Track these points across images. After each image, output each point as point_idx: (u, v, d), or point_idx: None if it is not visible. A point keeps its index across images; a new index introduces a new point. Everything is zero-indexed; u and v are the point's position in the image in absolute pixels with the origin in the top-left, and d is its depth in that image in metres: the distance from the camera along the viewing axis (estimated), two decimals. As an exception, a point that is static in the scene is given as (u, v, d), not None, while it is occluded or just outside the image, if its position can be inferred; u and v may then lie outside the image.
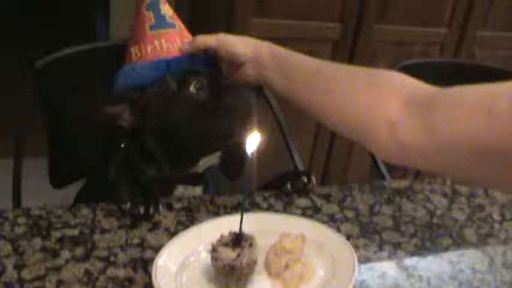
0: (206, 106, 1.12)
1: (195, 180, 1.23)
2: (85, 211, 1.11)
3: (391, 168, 1.81)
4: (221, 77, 1.17)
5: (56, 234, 1.04)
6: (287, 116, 1.70)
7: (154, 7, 1.20)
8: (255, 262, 0.93)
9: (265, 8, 2.40)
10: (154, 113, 1.15)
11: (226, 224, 0.97)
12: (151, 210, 1.10)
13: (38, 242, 1.01)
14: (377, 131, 0.91)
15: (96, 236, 1.05)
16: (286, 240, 1.00)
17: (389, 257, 1.10)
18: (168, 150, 1.17)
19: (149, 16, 1.19)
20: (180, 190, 1.22)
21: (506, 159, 0.72)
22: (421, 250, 1.14)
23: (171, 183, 1.22)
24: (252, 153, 0.91)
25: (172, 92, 1.14)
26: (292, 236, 1.01)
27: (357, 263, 0.96)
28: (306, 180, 1.26)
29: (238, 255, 0.90)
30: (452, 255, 1.14)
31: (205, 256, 0.98)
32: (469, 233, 1.23)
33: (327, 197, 1.26)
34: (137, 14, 1.21)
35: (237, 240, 0.92)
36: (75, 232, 1.05)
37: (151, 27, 1.19)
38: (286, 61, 1.12)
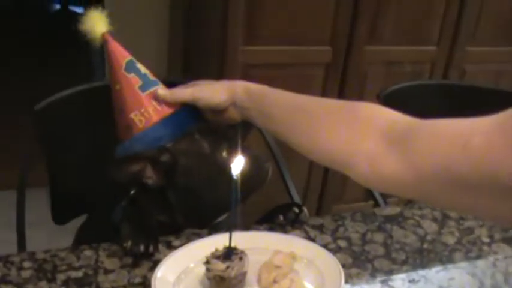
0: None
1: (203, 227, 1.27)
2: (88, 252, 1.16)
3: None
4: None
5: (61, 276, 1.08)
6: (281, 147, 1.75)
7: (134, 68, 1.21)
8: (244, 274, 1.03)
9: (255, 34, 2.45)
10: (184, 172, 1.16)
11: (221, 241, 1.05)
12: (151, 248, 1.14)
13: (43, 285, 1.05)
14: (357, 164, 0.94)
15: (100, 277, 1.09)
16: (277, 257, 1.09)
17: (382, 285, 1.15)
18: (187, 208, 1.20)
19: (134, 78, 1.20)
20: (186, 231, 1.26)
21: (481, 191, 0.77)
22: (412, 276, 1.18)
23: (180, 228, 1.25)
24: (237, 175, 0.98)
25: (204, 153, 1.17)
26: (282, 253, 1.10)
27: (343, 279, 1.03)
28: (297, 211, 1.30)
29: (228, 267, 1.00)
30: (442, 279, 1.19)
31: (201, 269, 1.06)
32: (459, 256, 1.27)
33: (320, 228, 1.31)
34: (118, 80, 1.20)
35: (228, 253, 1.01)
36: (80, 274, 1.09)
37: (141, 88, 1.19)
38: (262, 100, 1.14)
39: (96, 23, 1.20)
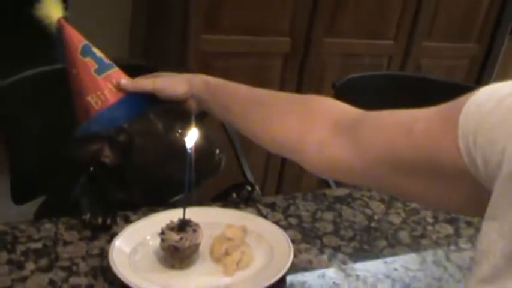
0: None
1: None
2: (48, 225, 1.19)
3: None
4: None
5: (21, 247, 1.12)
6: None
7: (89, 52, 1.24)
8: (197, 245, 1.09)
9: (216, 23, 2.49)
10: (140, 151, 1.22)
11: (176, 215, 1.11)
12: (108, 221, 1.19)
13: (3, 255, 1.09)
14: (306, 151, 1.00)
15: (59, 248, 1.13)
16: (229, 230, 1.15)
17: (329, 259, 1.21)
18: (144, 186, 1.25)
19: (90, 62, 1.23)
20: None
21: (425, 175, 0.83)
22: (358, 252, 1.25)
23: (137, 205, 1.29)
24: (191, 148, 1.04)
25: (158, 133, 1.22)
26: (234, 227, 1.17)
27: (292, 252, 1.11)
28: (249, 189, 1.35)
29: (182, 238, 1.05)
30: (387, 255, 1.25)
31: (156, 242, 1.11)
32: (404, 235, 1.34)
33: (272, 206, 1.37)
34: (75, 64, 1.23)
35: (182, 225, 1.07)
36: (39, 245, 1.13)
37: (97, 72, 1.23)
38: (220, 92, 1.20)
39: (52, 9, 1.22)
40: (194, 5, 2.40)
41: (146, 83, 1.23)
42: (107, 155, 1.21)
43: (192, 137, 1.04)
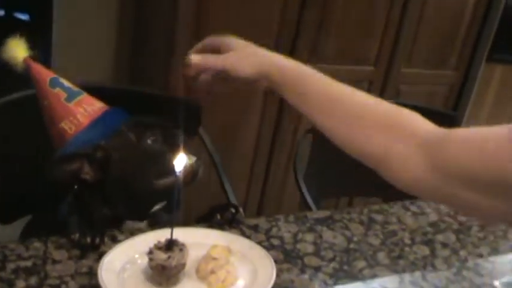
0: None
1: (142, 217, 1.35)
2: (37, 244, 1.22)
3: (319, 199, 1.97)
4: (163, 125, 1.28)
5: (11, 265, 1.14)
6: (223, 154, 1.84)
7: (58, 83, 1.30)
8: (183, 264, 1.13)
9: (204, 28, 2.50)
10: (117, 164, 1.25)
11: (163, 235, 1.15)
12: (97, 240, 1.22)
13: (-6, 273, 1.12)
14: (391, 166, 1.03)
15: (48, 267, 1.16)
16: (214, 250, 1.20)
17: (311, 279, 1.25)
18: (125, 197, 1.28)
19: (59, 92, 1.29)
20: (127, 224, 1.34)
21: (491, 190, 0.88)
22: (338, 272, 1.29)
23: (121, 220, 1.33)
24: (180, 172, 1.08)
25: (132, 144, 1.26)
26: (220, 246, 1.22)
27: (275, 272, 1.16)
28: (233, 211, 1.40)
29: (169, 257, 1.09)
30: (366, 275, 1.30)
31: (144, 260, 1.15)
32: (382, 256, 1.38)
33: (255, 228, 1.41)
34: (45, 96, 1.29)
35: (169, 244, 1.11)
36: (29, 263, 1.16)
37: (67, 100, 1.28)
38: (296, 79, 1.15)
39: (17, 50, 1.28)
40: (181, 26, 2.44)
41: (216, 61, 1.19)
42: (87, 172, 1.24)
43: (180, 161, 1.08)
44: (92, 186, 1.26)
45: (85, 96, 1.31)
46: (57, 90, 1.28)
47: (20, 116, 1.62)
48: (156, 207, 1.31)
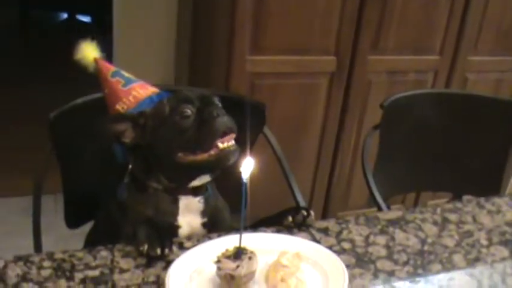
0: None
1: (195, 192, 1.34)
2: (104, 253, 1.21)
3: (387, 196, 1.91)
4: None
5: (79, 275, 1.14)
6: (287, 154, 1.81)
7: (118, 74, 1.39)
8: (253, 273, 1.10)
9: (261, 44, 2.51)
10: (150, 132, 1.29)
11: (230, 242, 1.13)
12: (166, 250, 1.20)
13: (63, 283, 1.11)
14: None
15: (116, 276, 1.14)
16: (284, 256, 1.15)
17: (384, 285, 1.20)
18: (164, 167, 1.31)
19: (117, 80, 1.38)
20: (183, 202, 1.33)
21: None
22: (413, 276, 1.24)
23: (173, 194, 1.33)
24: (247, 177, 1.05)
25: (164, 116, 1.28)
26: (289, 253, 1.16)
27: (347, 278, 1.11)
28: (305, 214, 1.36)
29: (238, 266, 1.06)
30: (442, 279, 1.24)
31: (212, 269, 1.12)
32: (458, 258, 1.32)
33: (325, 231, 1.36)
34: (106, 85, 1.39)
35: (238, 253, 1.08)
36: (96, 273, 1.15)
37: (123, 86, 1.37)
38: None
39: (89, 52, 1.39)
40: (240, 25, 2.42)
41: None
42: (128, 136, 1.30)
43: (247, 167, 1.05)
44: (131, 149, 1.32)
45: (141, 83, 1.39)
46: (116, 79, 1.38)
47: (87, 120, 1.62)
48: (195, 182, 1.31)
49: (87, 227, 1.64)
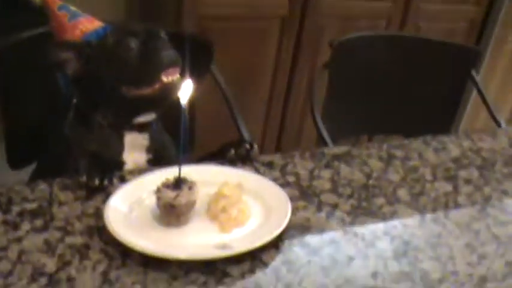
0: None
1: (140, 129, 1.32)
2: (42, 186, 1.18)
3: (337, 138, 1.91)
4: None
5: (16, 208, 1.11)
6: (239, 89, 1.78)
7: (65, 7, 1.42)
8: (193, 203, 1.09)
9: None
10: (94, 64, 1.26)
11: (171, 173, 1.10)
12: (105, 182, 1.18)
13: (-1, 216, 1.08)
14: None
15: (54, 208, 1.12)
16: (225, 187, 1.15)
17: (327, 217, 1.20)
18: (108, 102, 1.28)
19: (64, 14, 1.40)
20: (128, 139, 1.31)
21: None
22: (357, 210, 1.24)
23: (117, 130, 1.30)
24: (185, 102, 1.04)
25: (108, 48, 1.24)
26: (230, 184, 1.16)
27: (290, 210, 1.12)
28: (248, 147, 1.34)
29: (177, 195, 1.05)
30: (385, 213, 1.24)
31: (152, 200, 1.11)
32: (403, 192, 1.33)
33: (270, 164, 1.35)
34: (53, 18, 1.41)
35: (178, 183, 1.07)
36: (34, 205, 1.12)
37: (69, 19, 1.39)
38: None
39: None
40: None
41: None
42: (71, 67, 1.26)
43: (185, 91, 1.02)
44: (75, 82, 1.30)
45: (87, 17, 1.41)
46: (63, 12, 1.40)
47: (31, 56, 1.57)
48: (140, 118, 1.29)
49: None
